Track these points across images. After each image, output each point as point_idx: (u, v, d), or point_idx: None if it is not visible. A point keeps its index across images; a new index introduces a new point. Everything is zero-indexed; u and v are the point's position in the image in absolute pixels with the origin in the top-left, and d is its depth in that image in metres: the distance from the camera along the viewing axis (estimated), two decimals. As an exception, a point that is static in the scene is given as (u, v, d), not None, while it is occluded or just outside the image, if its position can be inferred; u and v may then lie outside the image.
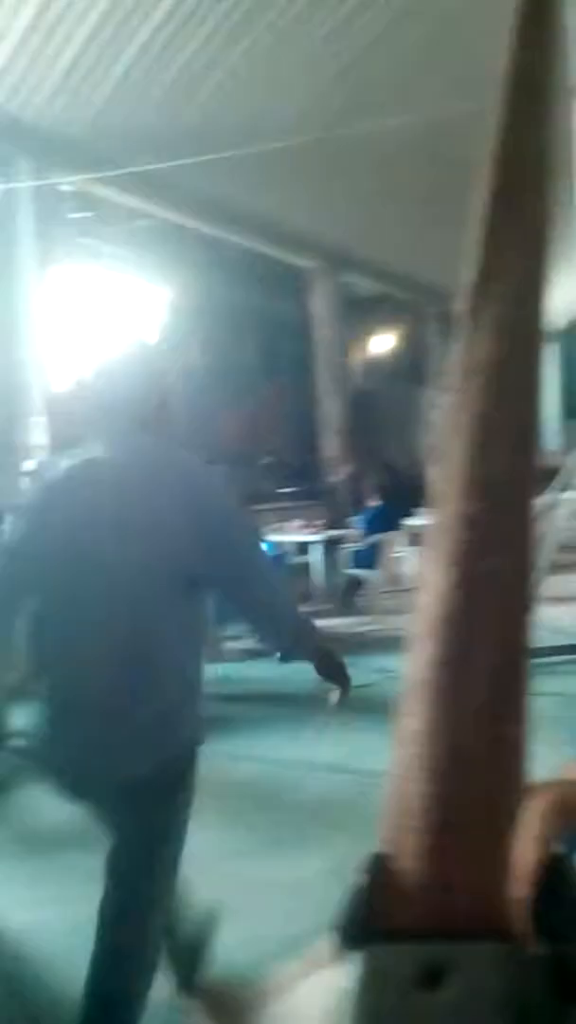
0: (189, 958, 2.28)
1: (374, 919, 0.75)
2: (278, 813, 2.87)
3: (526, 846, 0.73)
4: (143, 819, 1.93)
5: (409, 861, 0.76)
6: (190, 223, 9.54)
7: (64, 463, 2.04)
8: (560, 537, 7.39)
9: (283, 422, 12.60)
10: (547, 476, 7.59)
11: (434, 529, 0.84)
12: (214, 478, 2.05)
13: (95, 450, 2.01)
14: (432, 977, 0.70)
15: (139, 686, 1.90)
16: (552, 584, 7.52)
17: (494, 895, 0.73)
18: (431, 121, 6.91)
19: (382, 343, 15.09)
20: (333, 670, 2.05)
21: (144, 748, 1.90)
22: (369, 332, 14.80)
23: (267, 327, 12.55)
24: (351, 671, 2.03)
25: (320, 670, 2.06)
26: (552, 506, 7.44)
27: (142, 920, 1.95)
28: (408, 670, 0.81)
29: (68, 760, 1.96)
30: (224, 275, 11.19)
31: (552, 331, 14.78)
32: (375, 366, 14.88)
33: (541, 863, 0.72)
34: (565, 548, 7.41)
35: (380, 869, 0.77)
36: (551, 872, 0.72)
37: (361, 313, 13.68)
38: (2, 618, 2.01)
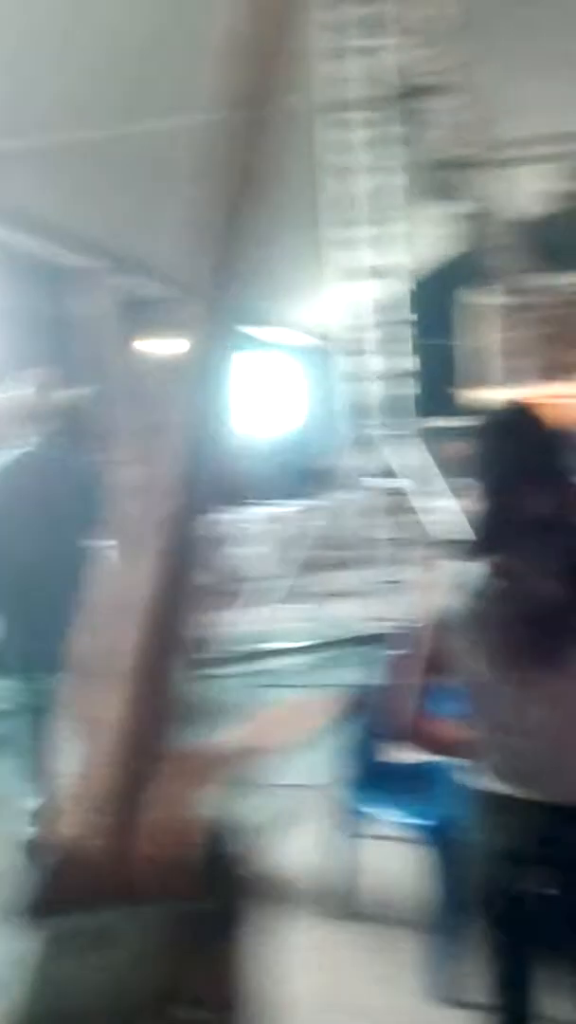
0: None
1: (55, 895, 0.78)
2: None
3: (178, 813, 0.76)
4: None
5: (85, 838, 0.78)
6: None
7: (3, 458, 3.10)
8: (344, 535, 7.64)
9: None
10: (332, 477, 7.84)
11: (126, 528, 0.87)
12: (97, 473, 3.06)
13: (27, 447, 3.11)
14: (99, 941, 0.75)
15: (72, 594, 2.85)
16: (334, 580, 7.76)
17: (158, 861, 0.77)
18: (209, 124, 6.96)
19: (169, 346, 15.10)
20: None
21: None
22: (154, 335, 14.75)
23: (44, 328, 12.23)
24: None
25: None
26: (336, 506, 7.69)
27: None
28: (88, 662, 0.83)
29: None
30: None
31: (326, 341, 15.28)
32: (163, 369, 14.85)
33: (199, 827, 0.77)
34: (348, 546, 7.66)
35: (57, 848, 0.79)
36: (208, 835, 0.78)
37: (146, 316, 13.61)
38: None
